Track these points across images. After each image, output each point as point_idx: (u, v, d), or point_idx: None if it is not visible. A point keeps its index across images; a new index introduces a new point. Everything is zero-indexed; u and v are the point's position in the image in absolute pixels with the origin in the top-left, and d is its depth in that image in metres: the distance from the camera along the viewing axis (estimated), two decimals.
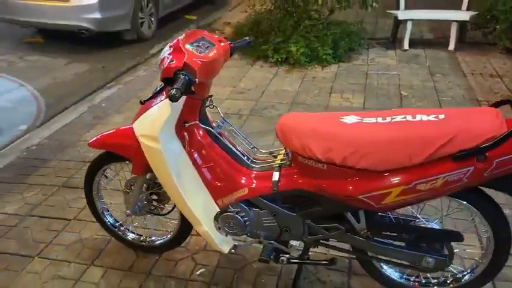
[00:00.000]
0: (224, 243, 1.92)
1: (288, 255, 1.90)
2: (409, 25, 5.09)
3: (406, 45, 5.18)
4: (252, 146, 1.94)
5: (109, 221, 2.23)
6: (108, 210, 2.24)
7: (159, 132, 1.68)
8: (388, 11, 5.30)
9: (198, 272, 2.13)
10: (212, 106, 1.89)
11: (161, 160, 1.73)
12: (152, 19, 6.55)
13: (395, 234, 1.75)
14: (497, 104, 1.59)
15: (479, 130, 1.45)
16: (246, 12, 5.84)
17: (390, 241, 1.76)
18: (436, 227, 1.76)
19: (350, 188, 1.59)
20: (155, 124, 1.70)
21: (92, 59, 5.58)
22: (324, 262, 1.90)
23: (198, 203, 1.84)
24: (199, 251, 2.25)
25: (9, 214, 2.61)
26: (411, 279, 1.93)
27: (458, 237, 1.69)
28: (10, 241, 2.39)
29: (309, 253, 1.92)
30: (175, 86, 1.44)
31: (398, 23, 5.32)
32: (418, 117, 1.57)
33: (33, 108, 4.25)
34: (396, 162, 1.51)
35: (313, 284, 2.04)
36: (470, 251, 1.98)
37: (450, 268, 1.80)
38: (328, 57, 4.81)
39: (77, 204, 2.64)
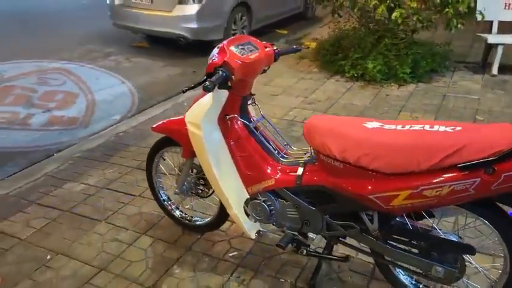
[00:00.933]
0: (251, 228, 2.12)
1: (307, 248, 2.05)
2: (500, 49, 4.84)
3: (495, 70, 4.93)
4: (285, 143, 2.12)
5: (162, 198, 2.55)
6: (163, 189, 2.57)
7: (201, 120, 1.96)
8: (478, 34, 5.09)
9: (230, 254, 2.36)
10: (254, 104, 2.12)
11: (202, 145, 1.99)
12: (244, 31, 7.01)
13: (408, 239, 1.80)
14: None
15: (488, 143, 1.48)
16: (329, 28, 5.99)
17: (403, 246, 1.81)
18: (452, 239, 1.77)
19: (362, 187, 1.70)
20: (199, 113, 1.97)
21: (185, 63, 6.15)
22: (338, 258, 2.01)
23: (231, 188, 2.07)
24: (236, 237, 2.48)
25: (90, 185, 3.09)
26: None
27: (469, 250, 1.69)
28: (86, 206, 2.84)
29: (332, 251, 2.05)
30: (210, 79, 1.70)
31: (489, 47, 5.08)
32: (435, 127, 1.63)
33: (129, 102, 4.87)
34: (405, 167, 1.60)
35: (333, 282, 2.15)
36: (488, 270, 1.94)
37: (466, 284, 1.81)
38: (405, 76, 4.78)
39: (144, 184, 3.01)
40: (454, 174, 1.52)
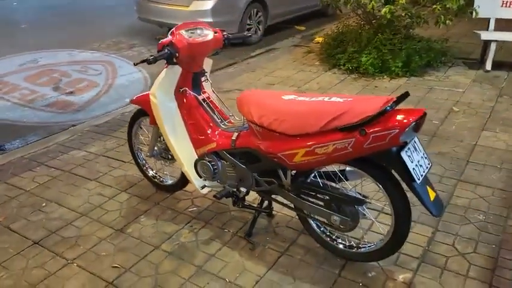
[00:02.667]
0: (200, 184, 2.53)
1: (242, 202, 2.46)
2: (493, 46, 4.96)
3: (488, 66, 5.05)
4: (230, 114, 2.52)
5: (139, 159, 3.01)
6: (141, 152, 3.02)
7: (156, 90, 2.40)
8: (474, 31, 5.23)
9: (190, 209, 2.78)
10: (207, 80, 2.53)
11: (157, 112, 2.43)
12: (260, 26, 7.40)
13: (314, 194, 2.15)
14: (401, 96, 1.88)
15: (363, 110, 1.81)
16: (335, 25, 6.27)
17: (311, 199, 2.17)
18: (349, 194, 2.10)
19: (273, 147, 2.08)
20: (155, 85, 2.41)
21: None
22: (263, 210, 2.41)
23: (183, 149, 2.50)
24: (199, 197, 2.89)
25: (91, 152, 3.61)
26: (328, 233, 2.30)
27: (359, 202, 2.03)
28: (83, 169, 3.35)
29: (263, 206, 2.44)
30: (153, 54, 2.13)
31: (486, 44, 5.21)
32: (333, 98, 1.98)
33: (141, 87, 5.40)
34: (302, 129, 1.96)
35: (268, 234, 2.52)
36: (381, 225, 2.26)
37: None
38: (397, 69, 5.01)
39: None
40: (336, 134, 1.86)
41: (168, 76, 2.39)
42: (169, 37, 2.32)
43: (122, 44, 7.20)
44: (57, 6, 10.67)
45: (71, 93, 5.22)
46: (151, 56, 2.14)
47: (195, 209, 2.79)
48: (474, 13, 4.90)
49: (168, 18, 6.88)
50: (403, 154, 1.81)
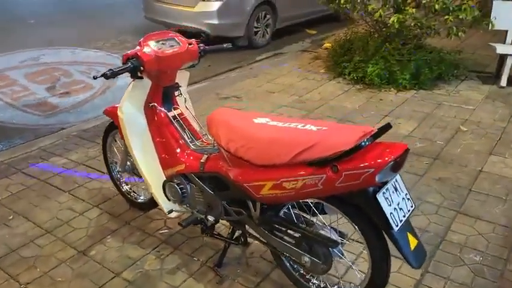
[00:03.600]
0: (166, 205, 2.33)
1: (212, 231, 2.24)
2: (509, 61, 4.64)
3: (503, 82, 4.73)
4: (204, 133, 2.31)
5: (113, 173, 2.83)
6: (115, 165, 2.84)
7: (123, 105, 2.20)
8: (490, 44, 4.90)
9: (160, 231, 2.58)
10: (180, 95, 2.32)
11: (124, 129, 2.24)
12: (268, 29, 7.17)
13: (285, 229, 1.93)
14: (382, 128, 1.64)
15: (335, 142, 1.58)
16: (343, 32, 6.01)
17: (281, 235, 1.94)
18: (321, 232, 1.87)
19: (240, 175, 1.86)
20: (123, 98, 2.22)
21: (204, 58, 6.42)
22: (233, 241, 2.19)
23: (151, 170, 2.30)
24: (173, 218, 2.69)
25: (71, 160, 3.45)
26: (301, 272, 2.08)
27: (332, 243, 1.79)
28: (60, 178, 3.19)
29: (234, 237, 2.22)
30: (112, 68, 1.93)
31: (502, 58, 4.88)
32: (307, 126, 1.75)
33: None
34: (269, 159, 1.74)
35: (240, 265, 2.31)
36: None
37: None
38: (405, 82, 4.73)
39: None
40: (306, 169, 1.64)
41: (136, 90, 2.19)
42: (136, 48, 2.12)
43: (127, 44, 7.05)
44: (68, 1, 10.64)
45: (66, 93, 5.09)
46: (109, 69, 1.94)
47: (166, 231, 2.59)
48: (490, 25, 4.59)
49: (174, 18, 6.72)
50: (379, 196, 1.58)
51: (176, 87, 2.29)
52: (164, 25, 7.15)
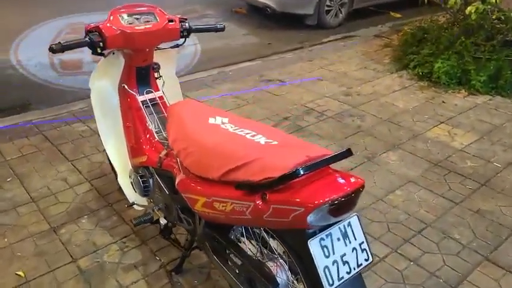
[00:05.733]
0: (129, 196, 2.14)
1: (169, 234, 2.01)
2: None
3: None
4: None
5: None
6: None
7: (92, 81, 2.02)
8: None
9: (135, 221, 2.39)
10: (160, 77, 2.07)
11: (93, 105, 2.07)
12: (343, 9, 6.58)
13: (228, 253, 1.62)
14: (338, 155, 1.24)
15: (268, 165, 1.24)
16: (443, 17, 5.22)
17: (226, 259, 1.64)
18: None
19: (179, 182, 1.59)
20: (95, 72, 2.04)
21: (266, 35, 6.11)
22: (180, 247, 1.94)
23: (118, 156, 2.12)
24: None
25: (90, 129, 3.40)
26: None
27: (271, 282, 1.44)
28: (71, 146, 3.15)
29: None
30: (59, 41, 1.72)
31: None
32: (257, 137, 1.42)
33: (187, 62, 5.09)
34: (204, 171, 1.44)
35: (201, 275, 2.06)
36: None
37: None
38: (479, 84, 3.99)
39: None
40: (234, 192, 1.32)
41: (112, 66, 1.99)
42: (103, 20, 1.87)
43: (194, 13, 6.93)
44: None
45: None
46: (58, 42, 1.73)
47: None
48: None
49: None
50: (312, 243, 1.21)
51: (155, 68, 2.04)
52: None
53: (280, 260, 1.51)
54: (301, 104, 3.85)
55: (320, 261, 1.21)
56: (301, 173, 1.14)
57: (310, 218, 1.15)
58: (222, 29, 2.14)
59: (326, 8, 6.34)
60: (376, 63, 4.87)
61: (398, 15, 7.27)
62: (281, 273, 1.47)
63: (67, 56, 4.75)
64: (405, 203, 2.60)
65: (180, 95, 2.25)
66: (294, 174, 1.15)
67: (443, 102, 3.90)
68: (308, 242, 1.20)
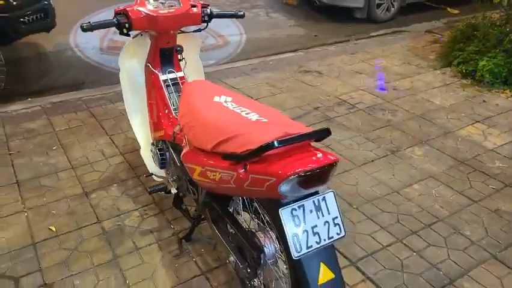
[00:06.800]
0: (149, 167, 2.33)
1: (182, 204, 2.18)
2: None
3: None
4: None
5: None
6: None
7: (119, 61, 2.22)
8: None
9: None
10: (182, 59, 2.23)
11: (121, 82, 2.27)
12: (395, 3, 6.44)
13: (222, 222, 1.75)
14: (317, 131, 1.33)
15: (251, 139, 1.35)
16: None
17: (223, 228, 1.77)
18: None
19: (183, 153, 1.74)
20: (123, 52, 2.24)
21: (313, 27, 6.14)
22: (189, 217, 2.09)
23: (141, 130, 2.33)
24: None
25: None
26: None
27: (255, 249, 1.55)
28: (111, 122, 3.42)
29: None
30: (90, 21, 1.92)
31: None
32: (250, 114, 1.53)
33: (230, 51, 5.26)
34: (200, 143, 1.58)
35: (206, 245, 2.21)
36: None
37: None
38: None
39: None
40: (222, 162, 1.44)
41: (138, 46, 2.18)
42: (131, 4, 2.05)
43: (246, 3, 7.10)
44: None
45: None
46: (88, 22, 1.93)
47: (163, 192, 2.60)
48: None
49: None
50: (283, 212, 1.31)
51: (178, 50, 2.20)
52: None
53: (270, 232, 1.62)
54: (334, 95, 3.88)
55: (290, 228, 1.30)
56: (276, 145, 1.24)
57: (281, 188, 1.25)
58: (242, 16, 2.26)
59: (377, 2, 6.25)
60: (420, 59, 4.77)
61: (456, 11, 6.99)
62: (269, 244, 1.58)
63: (119, 39, 5.09)
64: (421, 197, 2.59)
65: (202, 76, 2.40)
66: (269, 146, 1.25)
67: (484, 101, 3.77)
68: (279, 210, 1.30)
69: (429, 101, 3.79)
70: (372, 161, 2.94)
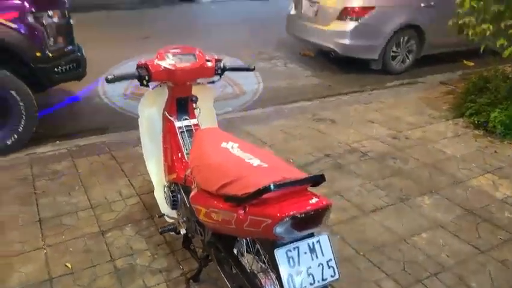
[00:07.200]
0: (162, 208, 2.46)
1: (190, 244, 2.28)
2: None
3: None
4: None
5: None
6: None
7: (139, 108, 2.41)
8: None
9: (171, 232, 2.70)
10: (196, 107, 2.41)
11: (140, 126, 2.45)
12: (410, 56, 6.63)
13: (227, 266, 1.83)
14: (312, 177, 1.44)
15: (250, 182, 1.47)
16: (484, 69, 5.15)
17: (225, 268, 1.85)
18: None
19: (192, 196, 1.86)
20: (144, 100, 2.43)
21: (328, 77, 6.35)
22: (197, 258, 2.17)
23: (156, 172, 2.47)
24: None
25: None
26: None
27: None
28: (130, 165, 3.60)
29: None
30: (114, 73, 2.12)
31: None
32: (252, 160, 1.66)
33: (248, 99, 5.48)
34: (206, 185, 1.71)
35: (214, 285, 2.28)
36: None
37: None
38: None
39: None
40: (224, 203, 1.56)
41: (157, 96, 2.37)
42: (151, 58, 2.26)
43: (264, 55, 7.42)
44: (243, 11, 11.67)
45: None
46: (112, 75, 2.14)
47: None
48: None
49: (309, 35, 6.80)
50: (278, 252, 1.40)
51: (193, 99, 2.37)
52: (302, 41, 7.27)
53: (271, 273, 1.69)
54: (346, 143, 3.99)
55: (284, 269, 1.39)
56: (272, 188, 1.35)
57: (276, 230, 1.35)
58: (252, 69, 2.44)
59: (392, 54, 6.46)
60: (433, 109, 4.87)
61: (471, 64, 7.12)
62: (269, 285, 1.66)
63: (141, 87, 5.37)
64: (428, 245, 2.61)
65: (215, 124, 2.56)
66: (266, 189, 1.36)
67: (495, 152, 3.81)
68: (275, 251, 1.39)
69: (440, 150, 3.85)
70: (381, 208, 3.00)
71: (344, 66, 6.69)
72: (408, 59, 6.64)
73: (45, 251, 2.57)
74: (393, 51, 6.45)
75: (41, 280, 2.33)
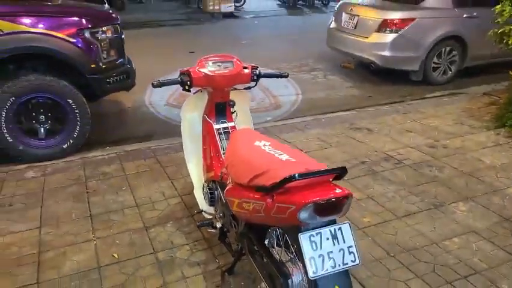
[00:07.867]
0: (201, 205, 2.63)
1: (225, 238, 2.44)
2: None
3: None
4: None
5: None
6: None
7: (181, 112, 2.61)
8: None
9: (209, 229, 2.86)
10: (234, 111, 2.58)
11: (182, 130, 2.65)
12: (452, 67, 6.56)
13: (256, 252, 1.97)
14: (334, 169, 1.56)
15: (278, 173, 1.61)
16: None
17: (259, 259, 1.98)
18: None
19: (227, 189, 2.03)
20: (186, 105, 2.64)
21: (369, 88, 6.39)
22: (231, 251, 2.31)
23: (196, 172, 2.66)
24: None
25: None
26: None
27: (284, 275, 1.74)
28: (174, 168, 3.83)
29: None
30: (159, 79, 2.34)
31: None
32: (282, 155, 1.80)
33: (287, 109, 5.63)
34: (238, 178, 1.87)
35: (247, 279, 2.41)
36: None
37: None
38: None
39: None
40: (255, 194, 1.71)
41: (198, 101, 2.57)
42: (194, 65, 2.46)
43: (305, 67, 7.58)
44: (280, 26, 11.92)
45: None
46: (158, 80, 2.36)
47: (213, 230, 2.87)
48: None
49: (349, 48, 6.88)
50: (302, 236, 1.52)
51: (230, 104, 2.55)
52: (342, 54, 7.36)
53: (298, 262, 1.81)
54: (382, 151, 4.04)
55: (307, 252, 1.50)
56: (296, 177, 1.48)
57: (300, 215, 1.48)
58: (286, 76, 2.60)
59: (433, 65, 6.42)
60: (474, 119, 4.81)
61: None
62: (296, 272, 1.77)
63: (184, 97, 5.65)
64: (460, 250, 2.63)
65: (251, 126, 2.72)
66: (290, 179, 1.50)
67: None
68: (299, 235, 1.51)
69: (479, 159, 3.82)
70: (414, 213, 3.03)
71: (384, 77, 6.71)
72: (450, 70, 6.57)
73: (95, 242, 2.80)
74: (434, 63, 6.42)
75: (91, 267, 2.56)
